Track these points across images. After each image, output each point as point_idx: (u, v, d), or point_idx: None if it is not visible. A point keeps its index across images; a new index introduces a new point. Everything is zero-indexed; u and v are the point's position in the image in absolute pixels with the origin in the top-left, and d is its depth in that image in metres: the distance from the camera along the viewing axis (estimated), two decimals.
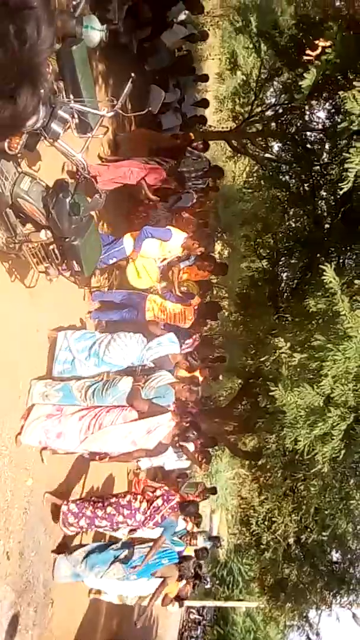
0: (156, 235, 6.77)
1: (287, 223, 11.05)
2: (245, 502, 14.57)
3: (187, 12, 9.66)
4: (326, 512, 9.03)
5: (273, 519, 10.23)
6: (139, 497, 6.12)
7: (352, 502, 8.32)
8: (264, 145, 12.45)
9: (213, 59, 17.83)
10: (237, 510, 17.57)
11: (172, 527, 6.26)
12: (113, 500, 6.06)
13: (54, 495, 5.91)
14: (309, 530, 9.69)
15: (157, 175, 7.20)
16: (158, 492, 6.20)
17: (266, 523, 10.84)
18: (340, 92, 5.72)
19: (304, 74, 6.50)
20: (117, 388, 5.61)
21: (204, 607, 17.91)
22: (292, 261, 10.77)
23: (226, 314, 13.79)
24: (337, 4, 8.52)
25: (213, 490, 11.68)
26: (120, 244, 6.76)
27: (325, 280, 5.62)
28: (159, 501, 6.02)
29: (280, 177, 11.49)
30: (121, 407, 5.54)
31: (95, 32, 6.56)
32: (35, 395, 5.48)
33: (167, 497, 6.09)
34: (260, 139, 12.40)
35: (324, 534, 9.48)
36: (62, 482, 6.26)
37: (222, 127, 15.32)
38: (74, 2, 5.52)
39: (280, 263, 11.04)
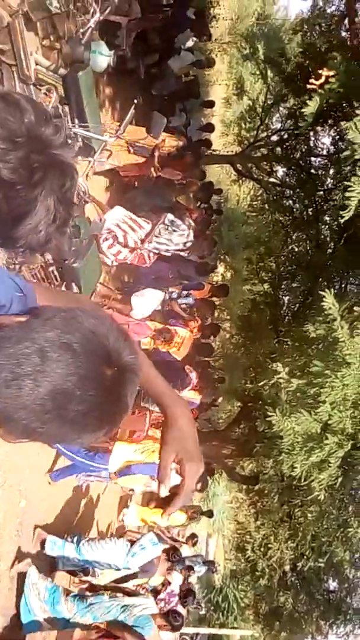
0: (145, 473, 6.31)
1: (289, 247, 11.11)
2: (241, 527, 14.42)
3: (194, 39, 9.82)
4: (323, 539, 8.93)
5: (269, 545, 10.12)
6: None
7: (349, 529, 8.23)
8: (268, 170, 12.56)
9: (220, 84, 18.07)
10: (233, 535, 17.39)
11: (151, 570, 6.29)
12: None
13: (44, 529, 5.92)
14: (305, 557, 9.57)
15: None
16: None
17: (262, 549, 10.71)
18: (343, 122, 5.78)
19: (308, 102, 6.59)
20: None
21: (197, 634, 17.56)
22: (294, 285, 10.79)
23: (227, 336, 13.79)
24: (343, 34, 8.68)
25: (209, 514, 11.58)
26: (103, 461, 5.97)
27: (325, 306, 5.62)
28: None
29: (284, 201, 11.59)
30: None
31: (103, 58, 6.68)
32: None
33: None
34: (265, 163, 12.52)
35: (320, 560, 9.37)
36: (55, 509, 6.23)
37: (228, 151, 15.47)
38: (83, 29, 5.64)
39: (282, 287, 11.06)
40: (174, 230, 7.12)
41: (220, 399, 11.05)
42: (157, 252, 7.05)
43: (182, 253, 7.47)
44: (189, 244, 7.37)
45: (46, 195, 1.13)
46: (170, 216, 7.03)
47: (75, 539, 5.75)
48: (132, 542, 5.89)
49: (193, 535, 9.35)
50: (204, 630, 17.34)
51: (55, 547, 5.64)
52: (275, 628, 11.25)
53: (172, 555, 6.51)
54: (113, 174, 7.30)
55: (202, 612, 15.64)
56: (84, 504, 7.19)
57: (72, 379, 1.02)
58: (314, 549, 9.29)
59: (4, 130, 1.06)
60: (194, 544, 9.68)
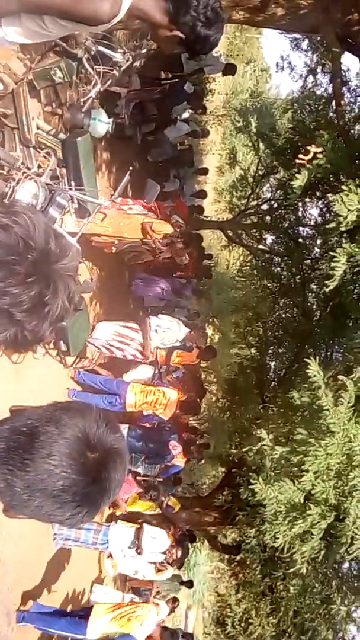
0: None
1: (277, 313, 11.24)
2: (222, 599, 13.87)
3: (190, 110, 10.26)
4: (305, 615, 8.61)
5: (250, 620, 9.71)
6: None
7: (333, 606, 7.96)
8: (258, 237, 12.86)
9: (214, 154, 18.73)
10: (213, 608, 16.70)
11: None
12: None
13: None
14: (287, 635, 9.18)
15: None
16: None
17: (242, 625, 10.26)
18: (329, 195, 5.98)
19: (297, 175, 6.84)
20: None
21: None
22: (281, 351, 10.85)
23: (213, 399, 13.72)
24: (330, 114, 9.11)
25: (189, 584, 11.14)
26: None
27: (309, 374, 5.63)
28: None
29: (272, 268, 11.81)
30: None
31: (102, 125, 6.94)
32: None
33: None
34: (254, 230, 12.83)
35: (302, 638, 8.99)
36: (30, 574, 5.99)
37: (219, 218, 15.88)
38: (84, 98, 5.88)
39: (269, 352, 11.12)
40: (164, 331, 7.32)
41: (203, 461, 10.90)
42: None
43: (177, 344, 7.67)
44: (182, 337, 7.59)
45: (55, 315, 1.23)
46: (154, 320, 7.20)
47: None
48: None
49: (175, 599, 8.90)
50: None
51: None
52: None
53: None
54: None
55: None
56: (62, 569, 6.93)
57: (55, 458, 1.15)
58: (296, 626, 8.92)
59: (15, 277, 1.12)
60: (173, 610, 9.22)
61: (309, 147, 6.92)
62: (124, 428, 7.07)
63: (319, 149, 6.64)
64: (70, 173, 4.74)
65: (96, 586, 7.42)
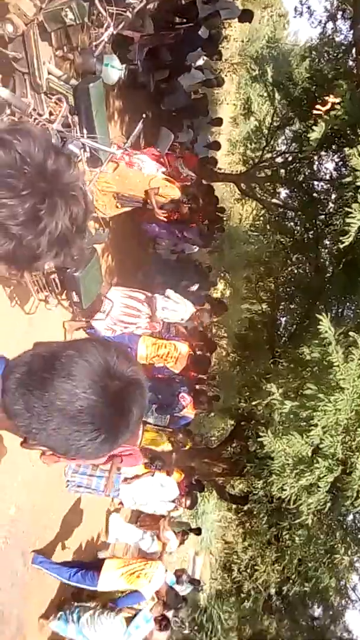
0: (127, 604, 6.27)
1: (289, 269, 11.14)
2: (229, 547, 14.29)
3: (205, 57, 9.92)
4: (310, 564, 8.86)
5: (255, 567, 10.02)
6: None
7: (336, 556, 8.18)
8: (271, 191, 12.62)
9: (228, 104, 18.22)
10: (220, 555, 17.23)
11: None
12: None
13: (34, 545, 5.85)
14: (291, 581, 9.48)
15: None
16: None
17: (248, 571, 10.60)
18: (346, 149, 5.82)
19: (313, 127, 6.65)
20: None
21: None
22: (292, 307, 10.80)
23: (224, 353, 13.78)
24: (350, 63, 8.79)
25: (198, 531, 11.46)
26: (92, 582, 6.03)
27: (321, 330, 5.62)
28: None
29: (286, 223, 11.64)
30: None
31: (114, 71, 6.73)
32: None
33: None
34: (268, 184, 12.58)
35: (306, 585, 9.28)
36: (45, 520, 6.16)
37: (233, 170, 15.58)
38: (96, 42, 5.70)
39: (280, 308, 11.07)
40: (172, 310, 7.29)
41: (212, 413, 11.03)
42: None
43: (183, 322, 7.62)
44: (187, 316, 7.54)
45: (55, 234, 1.22)
46: (160, 301, 7.12)
47: (76, 617, 5.85)
48: (128, 619, 5.89)
49: (184, 533, 9.18)
50: None
51: (59, 629, 5.89)
52: None
53: (164, 626, 6.48)
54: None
55: (186, 631, 15.41)
56: (74, 516, 7.12)
57: (75, 378, 1.16)
58: (300, 573, 9.21)
59: (8, 190, 1.12)
60: (183, 542, 9.52)
61: (326, 98, 6.70)
62: None
63: (337, 100, 6.44)
64: (82, 120, 4.63)
65: (114, 515, 7.63)
